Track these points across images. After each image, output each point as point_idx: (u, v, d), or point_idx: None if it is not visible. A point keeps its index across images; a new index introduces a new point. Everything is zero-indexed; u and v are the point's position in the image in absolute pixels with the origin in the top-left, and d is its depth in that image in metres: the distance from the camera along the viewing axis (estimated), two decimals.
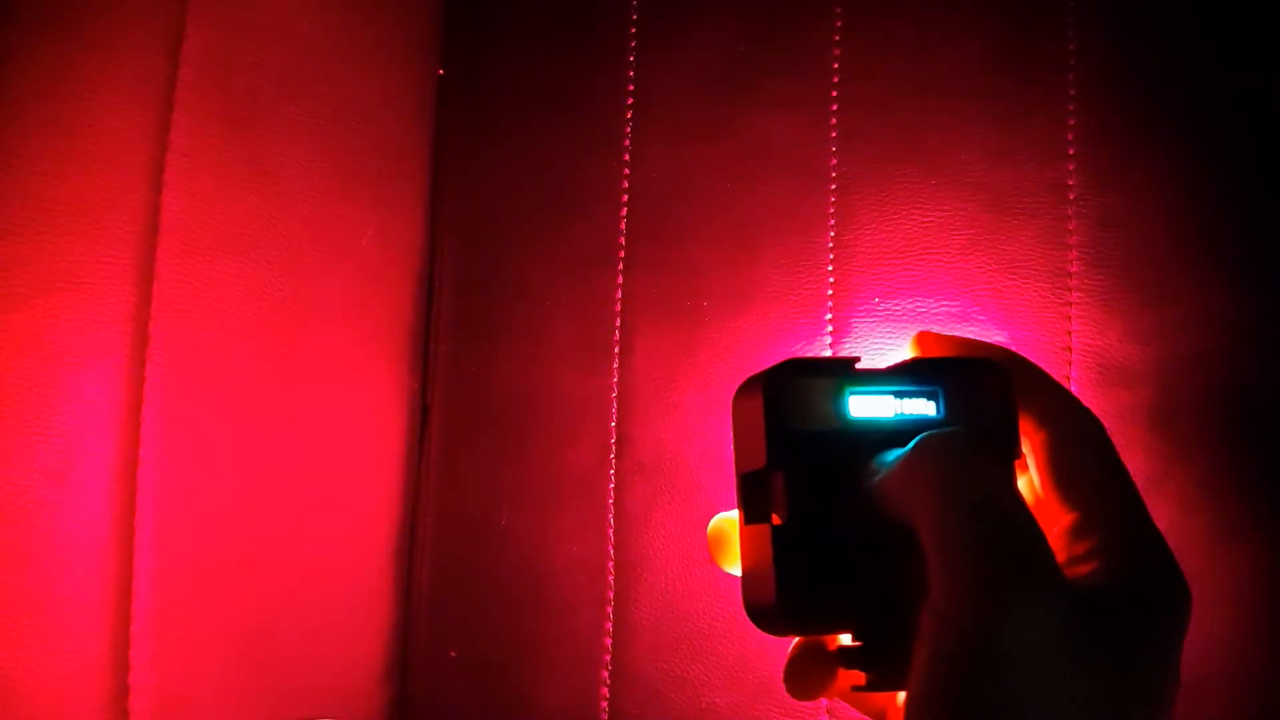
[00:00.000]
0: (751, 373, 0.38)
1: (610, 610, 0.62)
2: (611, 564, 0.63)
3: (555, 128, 0.67)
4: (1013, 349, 0.39)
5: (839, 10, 0.62)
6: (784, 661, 0.39)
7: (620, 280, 0.64)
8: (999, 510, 0.32)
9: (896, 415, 0.37)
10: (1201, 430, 0.53)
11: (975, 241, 0.57)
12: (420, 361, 0.69)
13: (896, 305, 0.59)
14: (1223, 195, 0.54)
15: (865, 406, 0.37)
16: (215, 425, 0.57)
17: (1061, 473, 0.36)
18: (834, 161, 0.61)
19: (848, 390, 0.37)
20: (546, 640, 0.63)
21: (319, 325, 0.62)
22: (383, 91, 0.67)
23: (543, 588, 0.64)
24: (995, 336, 0.56)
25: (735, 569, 0.39)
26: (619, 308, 0.64)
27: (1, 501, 0.49)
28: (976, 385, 0.38)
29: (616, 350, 0.64)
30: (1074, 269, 0.56)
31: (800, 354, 0.60)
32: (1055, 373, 0.55)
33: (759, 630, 0.37)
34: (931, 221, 0.58)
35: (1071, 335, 0.56)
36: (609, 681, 0.62)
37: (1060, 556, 0.34)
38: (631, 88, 0.66)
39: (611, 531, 0.63)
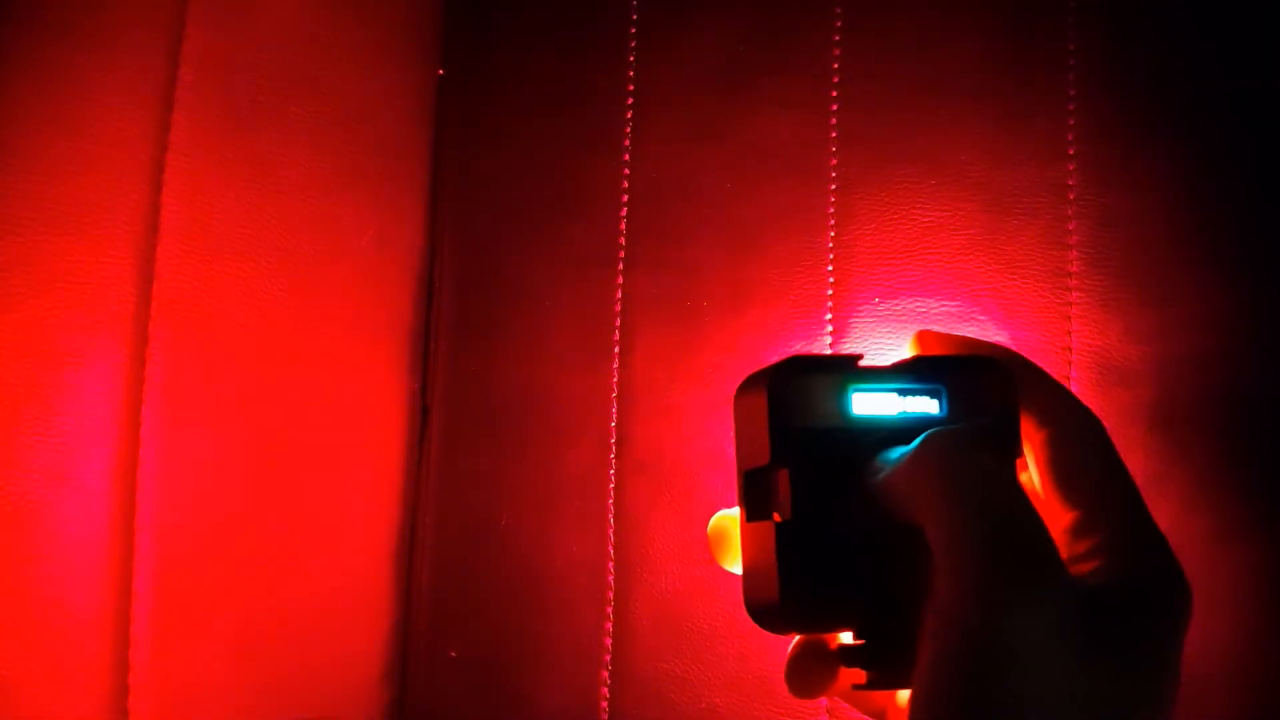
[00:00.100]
0: (751, 372, 0.38)
1: (610, 610, 0.62)
2: (611, 564, 0.63)
3: (555, 128, 0.67)
4: (1012, 349, 0.39)
5: (839, 10, 0.62)
6: (784, 661, 0.39)
7: (620, 280, 0.64)
8: (1005, 508, 0.32)
9: (900, 413, 0.37)
10: (1201, 430, 0.53)
11: (975, 241, 0.57)
12: (420, 361, 0.69)
13: (896, 305, 0.59)
14: (1223, 195, 0.54)
15: (869, 404, 0.37)
16: (215, 425, 0.57)
17: (1062, 472, 0.36)
18: (834, 161, 0.61)
19: (851, 388, 0.37)
20: (546, 640, 0.63)
21: (319, 325, 0.62)
22: (383, 91, 0.67)
23: (543, 588, 0.64)
24: (995, 336, 0.56)
25: (736, 567, 0.39)
26: (619, 308, 0.64)
27: (1, 501, 0.49)
28: (979, 384, 0.38)
29: (616, 350, 0.64)
30: (1074, 269, 0.56)
31: (803, 351, 0.60)
32: (1055, 373, 0.55)
33: (759, 629, 0.37)
34: (931, 221, 0.58)
35: (1071, 335, 0.56)
36: (609, 681, 0.62)
37: (1061, 555, 0.34)
38: (631, 88, 0.66)
39: (611, 531, 0.63)
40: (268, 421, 0.59)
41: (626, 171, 0.65)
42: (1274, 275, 0.53)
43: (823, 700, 0.57)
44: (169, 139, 0.55)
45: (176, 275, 0.55)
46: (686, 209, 0.63)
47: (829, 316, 0.60)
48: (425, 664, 0.66)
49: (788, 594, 0.35)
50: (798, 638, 0.38)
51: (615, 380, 0.64)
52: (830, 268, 0.60)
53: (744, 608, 0.37)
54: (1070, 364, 0.55)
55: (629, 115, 0.65)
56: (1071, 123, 0.56)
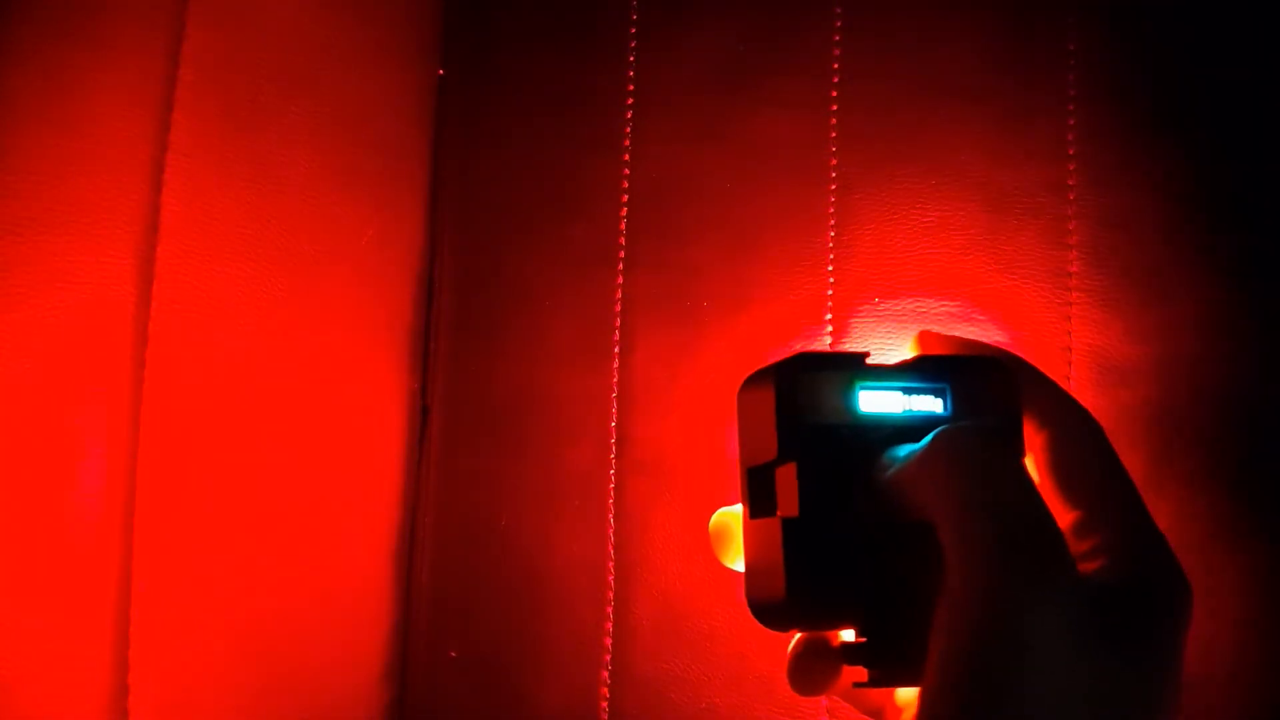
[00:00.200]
0: (753, 371, 0.38)
1: (610, 610, 0.62)
2: (611, 564, 0.63)
3: (555, 128, 0.67)
4: (1011, 350, 0.39)
5: (839, 10, 0.62)
6: (785, 659, 0.39)
7: (620, 280, 0.64)
8: (1018, 505, 0.33)
9: (905, 411, 0.37)
10: (1201, 430, 0.53)
11: (975, 241, 0.58)
12: (420, 361, 0.69)
13: (896, 305, 0.59)
14: (1223, 195, 0.54)
15: (875, 402, 0.37)
16: (215, 425, 0.57)
17: (1063, 472, 0.36)
18: (834, 161, 0.61)
19: (858, 385, 0.37)
20: (546, 640, 0.63)
21: (319, 325, 0.62)
22: (383, 91, 0.67)
23: (543, 588, 0.64)
24: (995, 336, 0.56)
25: (738, 564, 0.39)
26: (619, 308, 0.64)
27: (1, 502, 0.49)
28: (982, 383, 0.38)
29: (616, 350, 0.64)
30: (1074, 269, 0.56)
31: (809, 349, 0.60)
32: (1055, 372, 0.55)
33: (760, 627, 0.37)
34: (931, 221, 0.58)
35: (1071, 335, 0.56)
36: (609, 681, 0.62)
37: None
38: (631, 88, 0.66)
39: (611, 531, 0.63)
40: (267, 421, 0.59)
41: (626, 171, 0.65)
42: (1274, 275, 0.53)
43: (823, 700, 0.58)
44: (169, 139, 0.55)
45: (176, 275, 0.55)
46: (686, 209, 0.63)
47: (829, 316, 0.60)
48: (425, 664, 0.66)
49: (793, 591, 0.35)
50: (799, 635, 0.38)
51: (615, 380, 0.64)
52: (830, 268, 0.60)
53: (746, 605, 0.37)
54: (1070, 364, 0.55)
55: (629, 115, 0.65)
56: (1071, 123, 0.57)
